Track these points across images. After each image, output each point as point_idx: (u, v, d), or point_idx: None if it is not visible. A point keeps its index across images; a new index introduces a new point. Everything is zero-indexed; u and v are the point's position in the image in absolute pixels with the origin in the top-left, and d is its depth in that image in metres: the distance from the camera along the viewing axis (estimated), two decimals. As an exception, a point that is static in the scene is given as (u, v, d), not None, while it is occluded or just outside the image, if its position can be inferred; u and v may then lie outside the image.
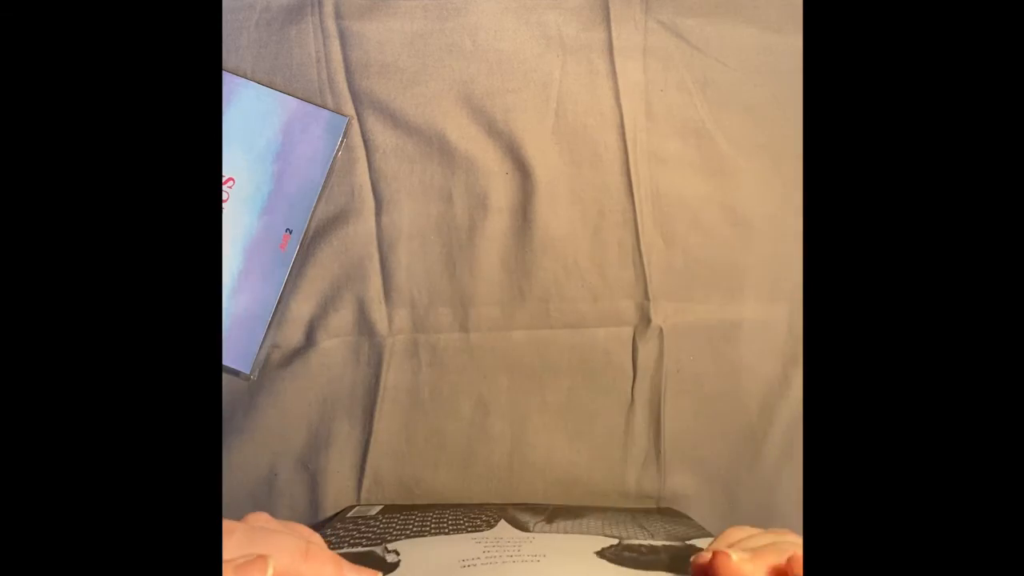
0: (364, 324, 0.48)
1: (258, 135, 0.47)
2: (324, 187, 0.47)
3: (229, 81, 0.47)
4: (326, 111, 0.47)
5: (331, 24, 0.48)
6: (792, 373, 0.48)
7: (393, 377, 0.48)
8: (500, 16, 0.48)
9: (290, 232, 0.47)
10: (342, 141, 0.47)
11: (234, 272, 0.47)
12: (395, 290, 0.48)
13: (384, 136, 0.48)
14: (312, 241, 0.48)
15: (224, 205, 0.47)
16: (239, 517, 0.36)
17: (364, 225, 0.48)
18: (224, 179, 0.47)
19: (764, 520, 0.48)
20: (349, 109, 0.48)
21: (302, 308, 0.48)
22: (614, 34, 0.48)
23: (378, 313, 0.48)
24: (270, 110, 0.47)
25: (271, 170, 0.47)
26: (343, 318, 0.48)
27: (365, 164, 0.48)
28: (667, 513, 0.46)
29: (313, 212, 0.47)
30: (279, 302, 0.47)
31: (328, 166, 0.47)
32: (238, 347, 0.46)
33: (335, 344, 0.48)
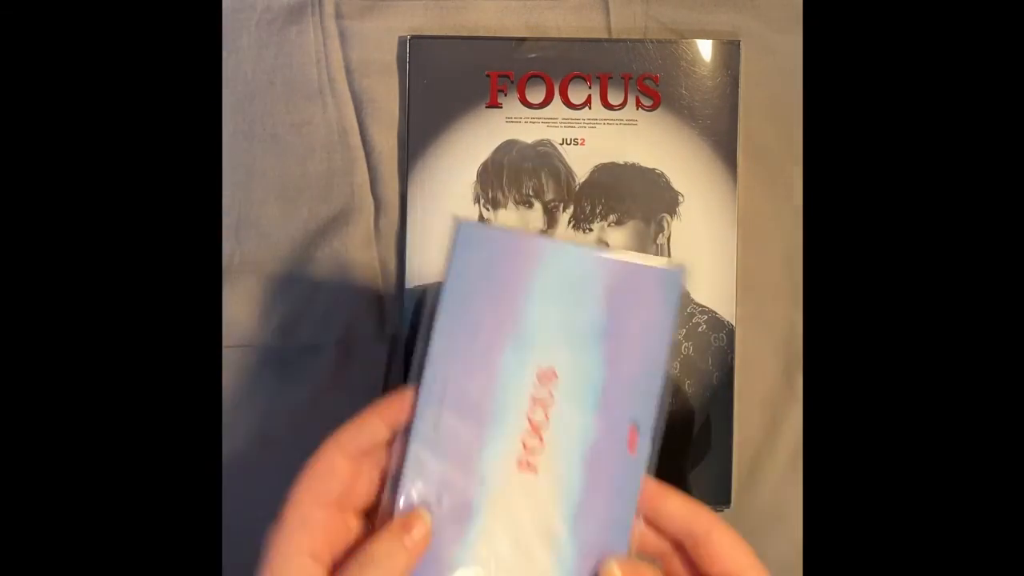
0: (364, 324, 0.48)
1: (577, 308, 0.35)
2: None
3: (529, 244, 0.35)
4: (655, 268, 0.35)
5: (331, 24, 0.48)
6: (794, 373, 0.48)
7: (394, 378, 0.48)
8: (500, 15, 0.48)
9: (637, 425, 0.35)
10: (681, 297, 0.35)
11: (575, 489, 0.34)
12: (394, 291, 0.48)
13: (384, 137, 0.48)
14: (311, 242, 0.48)
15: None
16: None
17: (363, 225, 0.48)
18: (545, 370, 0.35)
19: (768, 522, 0.48)
20: (350, 110, 0.48)
21: (301, 308, 0.48)
22: (614, 34, 0.48)
23: (376, 314, 0.48)
24: (588, 275, 0.35)
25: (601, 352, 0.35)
26: (343, 318, 0.48)
27: (364, 164, 0.48)
28: None
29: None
30: None
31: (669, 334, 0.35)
32: None
33: (335, 344, 0.48)
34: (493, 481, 0.34)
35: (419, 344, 0.34)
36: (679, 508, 0.34)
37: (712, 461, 0.47)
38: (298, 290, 0.48)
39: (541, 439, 0.34)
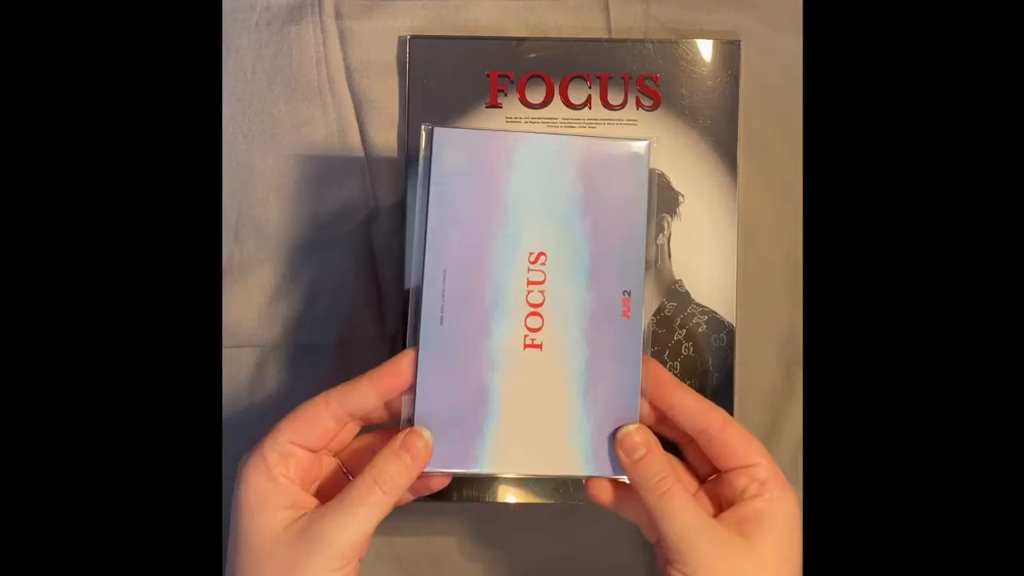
0: (364, 324, 0.48)
1: (555, 190, 0.37)
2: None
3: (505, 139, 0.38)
4: (620, 141, 0.38)
5: (331, 24, 0.48)
6: (794, 373, 0.48)
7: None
8: (500, 15, 0.48)
9: (629, 295, 0.37)
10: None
11: (581, 359, 0.37)
12: (393, 291, 0.48)
13: (383, 137, 0.48)
14: (311, 242, 0.48)
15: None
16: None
17: (363, 226, 0.48)
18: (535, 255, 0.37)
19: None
20: (350, 110, 0.48)
21: (301, 308, 0.48)
22: (614, 34, 0.48)
23: (376, 314, 0.48)
24: (560, 157, 0.38)
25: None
26: (342, 318, 0.48)
27: (364, 164, 0.48)
28: None
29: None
30: None
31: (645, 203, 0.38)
32: (608, 452, 0.37)
33: (335, 344, 0.48)
34: (503, 364, 0.36)
35: (414, 250, 0.37)
36: (694, 402, 0.37)
37: (712, 461, 0.47)
38: (298, 290, 0.48)
39: (542, 318, 0.37)
